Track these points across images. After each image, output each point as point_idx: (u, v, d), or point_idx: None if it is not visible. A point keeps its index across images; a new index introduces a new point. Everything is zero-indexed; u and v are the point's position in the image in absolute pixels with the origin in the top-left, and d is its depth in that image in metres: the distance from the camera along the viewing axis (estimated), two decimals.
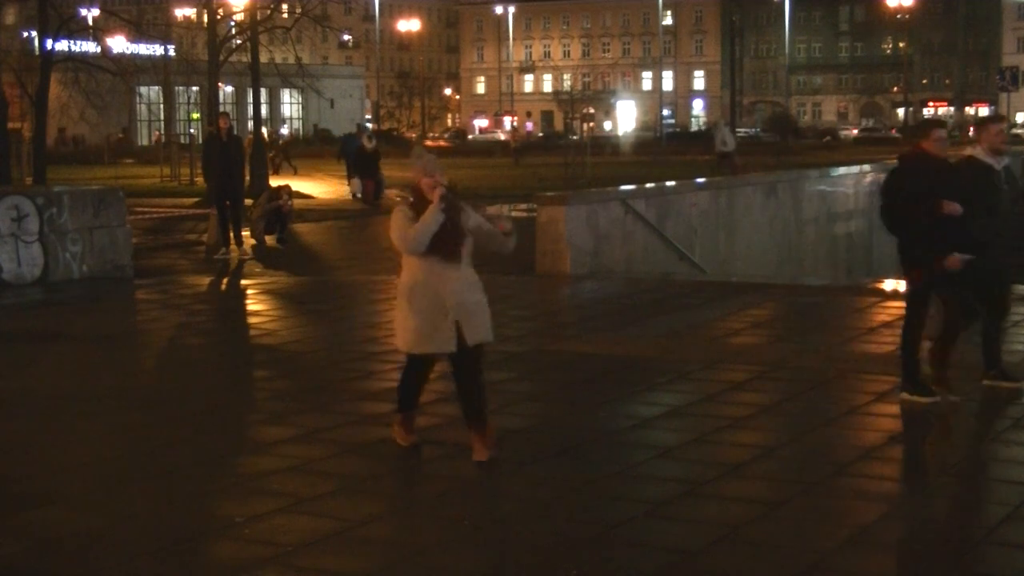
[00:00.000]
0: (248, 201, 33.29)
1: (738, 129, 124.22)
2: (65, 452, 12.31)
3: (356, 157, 41.04)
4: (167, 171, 67.97)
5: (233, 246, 29.34)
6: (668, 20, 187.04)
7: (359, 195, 42.76)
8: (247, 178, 43.46)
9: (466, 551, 9.35)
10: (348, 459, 11.80)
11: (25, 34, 68.87)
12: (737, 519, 9.84)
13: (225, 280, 25.83)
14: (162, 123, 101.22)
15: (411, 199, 11.43)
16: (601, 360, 16.59)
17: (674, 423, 13.36)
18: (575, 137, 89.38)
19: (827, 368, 15.77)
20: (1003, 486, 10.84)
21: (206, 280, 25.85)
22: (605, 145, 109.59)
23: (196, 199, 44.28)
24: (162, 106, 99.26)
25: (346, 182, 60.17)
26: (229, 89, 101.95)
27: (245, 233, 31.35)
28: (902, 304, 16.40)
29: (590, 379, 15.53)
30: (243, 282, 25.28)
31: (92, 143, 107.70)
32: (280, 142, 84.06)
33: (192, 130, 79.08)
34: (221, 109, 56.31)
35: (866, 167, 44.33)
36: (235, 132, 31.75)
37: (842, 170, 42.86)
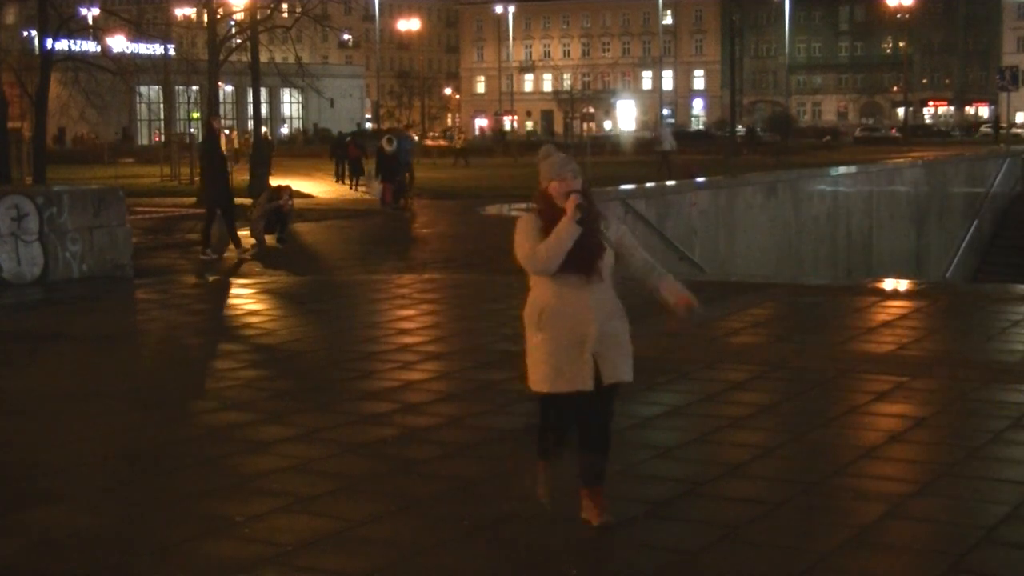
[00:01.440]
0: (248, 200, 33.29)
1: (738, 127, 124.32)
2: (65, 451, 12.31)
3: (377, 160, 40.94)
4: (167, 171, 68.01)
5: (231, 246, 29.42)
6: (668, 20, 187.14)
7: (378, 197, 42.65)
8: (247, 177, 43.48)
9: (465, 551, 9.35)
10: (348, 459, 11.79)
11: (25, 33, 68.86)
12: (737, 519, 9.84)
13: (222, 279, 25.79)
14: (162, 123, 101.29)
15: (537, 207, 9.38)
16: None
17: (674, 422, 13.37)
18: (552, 138, 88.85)
19: (827, 368, 15.78)
20: (1003, 486, 10.84)
21: (206, 279, 25.83)
22: (605, 144, 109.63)
23: (195, 199, 44.22)
24: (162, 106, 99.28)
25: (333, 180, 60.46)
26: (229, 88, 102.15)
27: (244, 232, 31.40)
28: (902, 303, 16.31)
29: None
30: (243, 282, 25.25)
31: (86, 141, 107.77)
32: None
33: (192, 130, 79.07)
34: (220, 109, 56.27)
35: (866, 167, 44.38)
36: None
37: (842, 170, 42.91)
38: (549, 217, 9.13)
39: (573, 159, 9.49)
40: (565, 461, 9.56)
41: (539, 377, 9.30)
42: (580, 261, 9.06)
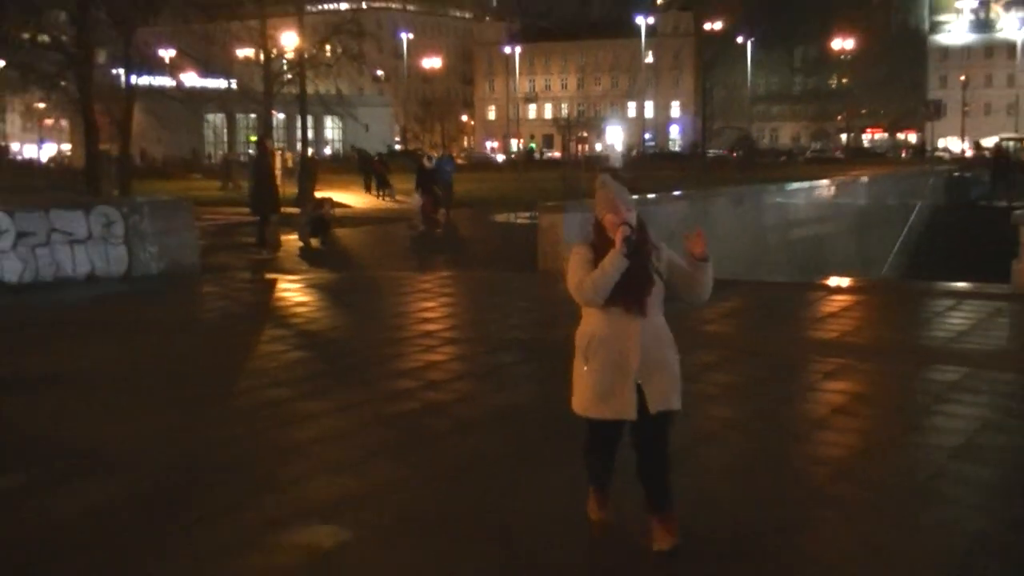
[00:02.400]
0: (296, 210, 33.36)
1: (710, 151, 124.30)
2: (130, 422, 12.22)
3: (417, 175, 40.72)
4: (227, 184, 68.04)
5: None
6: (650, 59, 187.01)
7: (418, 208, 42.40)
8: (296, 190, 43.40)
9: (476, 510, 9.27)
10: (377, 429, 11.71)
11: (113, 71, 69.05)
12: (707, 482, 9.76)
13: (275, 276, 25.72)
14: (225, 144, 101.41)
15: (592, 238, 8.29)
16: None
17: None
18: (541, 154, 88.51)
19: (785, 352, 15.72)
20: (930, 449, 10.81)
21: (259, 275, 25.78)
22: (597, 162, 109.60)
23: (248, 207, 44.25)
24: (225, 130, 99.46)
25: (363, 191, 60.72)
26: (281, 116, 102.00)
27: (292, 236, 31.50)
28: (846, 298, 16.25)
29: None
30: (290, 277, 25.19)
31: (162, 160, 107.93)
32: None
33: (250, 150, 79.08)
34: (272, 135, 56.37)
35: (816, 183, 44.33)
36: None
37: (796, 185, 42.85)
38: (601, 248, 8.08)
39: (626, 189, 8.31)
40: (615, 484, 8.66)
41: (583, 402, 8.30)
42: (628, 294, 8.03)
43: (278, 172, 35.88)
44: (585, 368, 8.24)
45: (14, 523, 9.03)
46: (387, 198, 58.55)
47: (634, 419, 8.09)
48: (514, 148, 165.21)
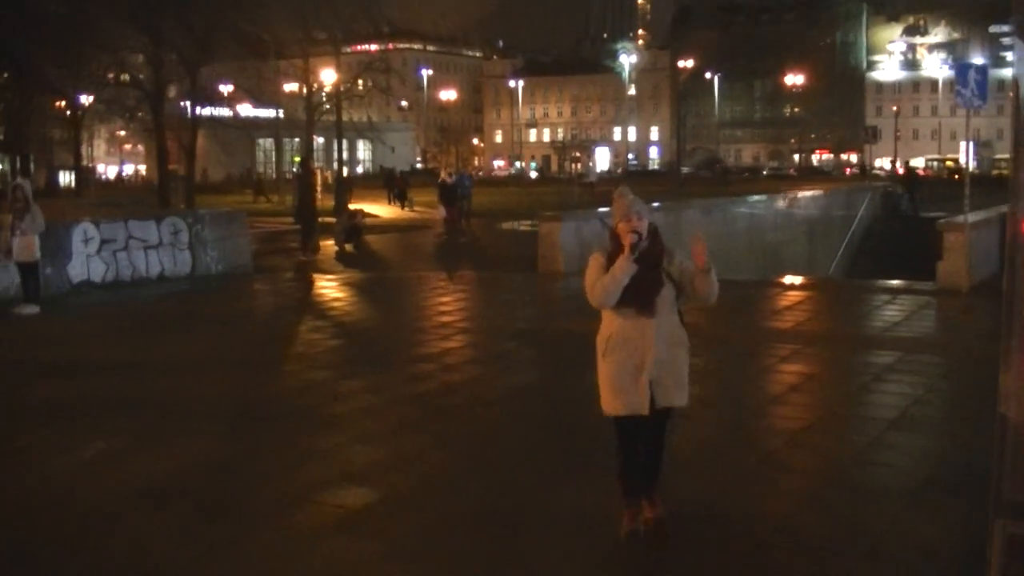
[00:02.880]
0: (332, 219, 33.43)
1: (684, 168, 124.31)
2: (203, 398, 12.27)
3: (439, 189, 40.36)
4: (275, 198, 68.12)
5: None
6: (633, 91, 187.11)
7: (441, 219, 42.10)
8: (332, 203, 43.45)
9: (486, 474, 9.28)
10: (402, 406, 11.71)
11: (181, 104, 69.54)
12: (682, 452, 9.73)
13: (316, 275, 25.72)
14: (274, 164, 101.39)
15: (608, 246, 7.71)
16: (585, 336, 16.47)
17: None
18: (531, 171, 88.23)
19: (747, 339, 15.72)
20: (868, 421, 10.82)
21: (302, 275, 25.80)
22: (579, 178, 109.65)
23: (292, 218, 44.24)
24: (274, 152, 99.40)
25: (387, 203, 61.18)
26: (320, 140, 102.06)
27: (329, 242, 31.57)
28: (798, 294, 16.28)
29: (577, 350, 15.43)
30: (328, 277, 25.20)
31: (219, 179, 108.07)
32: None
33: (295, 169, 79.03)
34: (313, 156, 56.62)
35: (773, 196, 44.31)
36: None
37: (757, 197, 42.83)
38: (615, 255, 7.56)
39: (641, 201, 7.74)
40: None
41: (604, 400, 7.68)
42: (637, 296, 7.53)
43: (319, 188, 35.90)
44: (604, 367, 7.66)
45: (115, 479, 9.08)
46: (407, 208, 58.90)
47: (647, 415, 7.56)
48: (517, 167, 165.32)
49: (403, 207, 59.56)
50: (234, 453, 10.08)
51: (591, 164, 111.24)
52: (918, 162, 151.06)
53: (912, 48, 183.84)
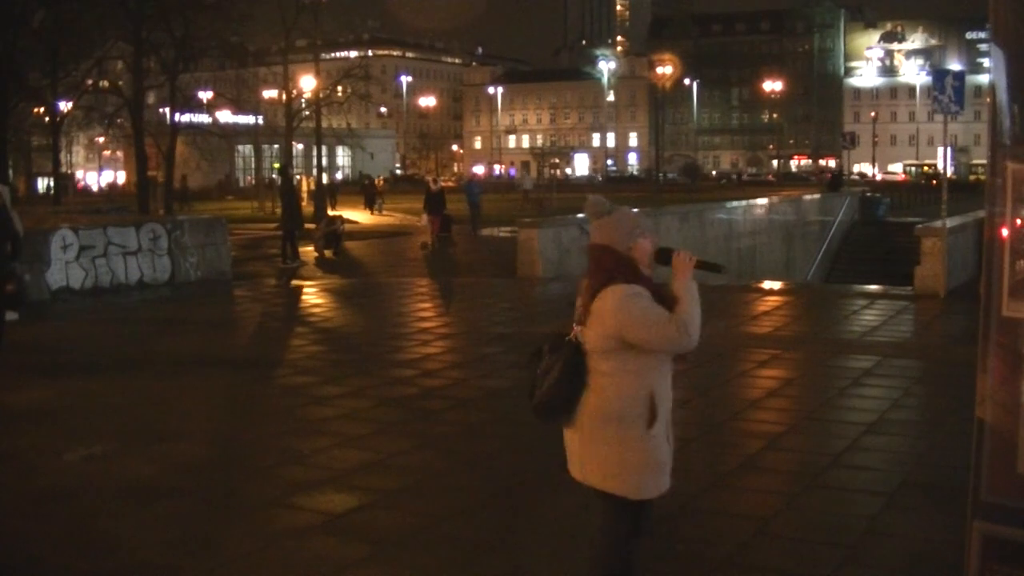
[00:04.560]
0: (312, 225, 33.44)
1: (669, 174, 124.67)
2: (184, 402, 12.28)
3: (425, 197, 40.09)
4: (256, 204, 68.07)
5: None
6: (611, 97, 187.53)
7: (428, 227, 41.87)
8: (312, 209, 43.42)
9: (468, 474, 9.32)
10: (384, 409, 11.74)
11: (160, 110, 69.66)
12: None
13: (296, 282, 25.71)
14: (253, 171, 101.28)
15: (628, 275, 5.56)
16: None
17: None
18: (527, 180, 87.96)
19: (725, 343, 15.76)
20: (846, 426, 10.86)
21: (283, 281, 25.80)
22: (566, 185, 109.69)
23: (275, 224, 44.16)
24: (253, 159, 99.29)
25: (363, 207, 61.84)
26: (300, 146, 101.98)
27: (308, 248, 31.56)
28: (776, 298, 16.33)
29: None
30: (308, 283, 25.21)
31: (200, 185, 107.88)
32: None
33: (274, 175, 78.99)
34: (293, 163, 56.69)
35: (752, 201, 44.42)
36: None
37: (734, 203, 42.94)
38: (639, 280, 5.62)
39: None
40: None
41: (645, 480, 5.68)
42: None
43: (304, 195, 35.96)
44: (648, 440, 5.64)
45: (89, 485, 9.08)
46: (375, 212, 60.68)
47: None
48: (496, 173, 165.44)
49: (372, 211, 60.51)
50: (215, 456, 10.09)
51: (525, 172, 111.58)
52: (896, 167, 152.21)
53: (890, 54, 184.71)
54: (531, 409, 5.78)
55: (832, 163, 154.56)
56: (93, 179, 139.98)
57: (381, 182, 71.33)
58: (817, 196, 53.96)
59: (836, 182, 61.43)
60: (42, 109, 70.74)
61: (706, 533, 7.85)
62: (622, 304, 5.48)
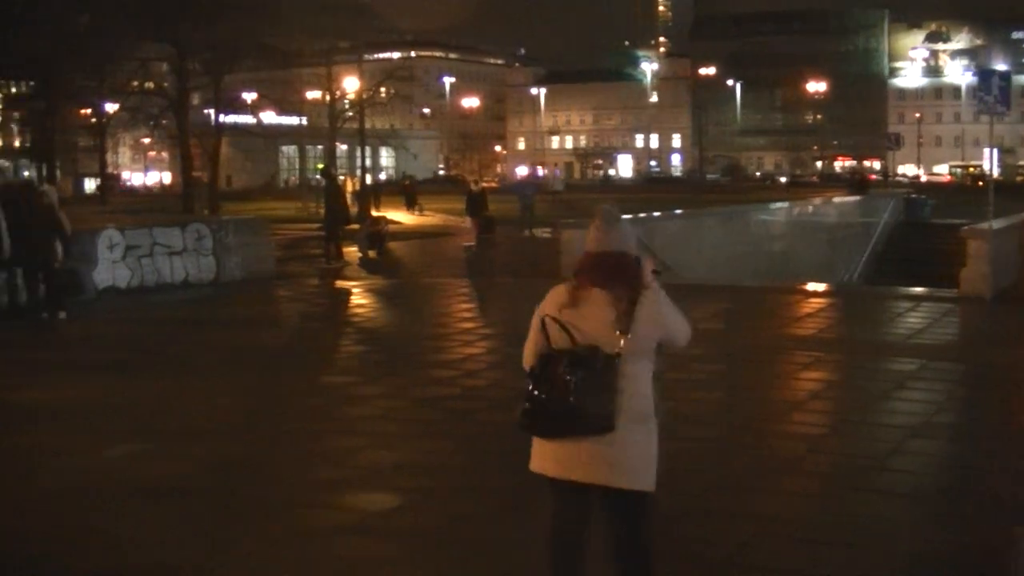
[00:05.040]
0: (356, 226, 33.50)
1: (711, 175, 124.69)
2: (223, 400, 12.32)
3: (466, 198, 39.94)
4: (299, 205, 68.32)
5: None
6: (654, 98, 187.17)
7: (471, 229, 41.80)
8: (356, 209, 43.53)
9: (503, 475, 9.28)
10: (421, 409, 11.73)
11: (205, 111, 70.04)
12: (700, 455, 9.74)
13: (339, 282, 25.76)
14: (296, 171, 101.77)
15: (648, 278, 5.88)
16: None
17: (653, 385, 13.23)
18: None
19: (766, 345, 15.69)
20: (889, 429, 10.76)
21: (325, 281, 25.86)
22: (608, 186, 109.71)
23: (318, 225, 44.24)
24: (297, 159, 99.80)
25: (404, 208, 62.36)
26: (343, 147, 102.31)
27: (352, 249, 31.61)
28: (819, 300, 16.21)
29: None
30: (351, 283, 25.26)
31: (246, 186, 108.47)
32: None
33: (317, 176, 79.41)
34: (336, 164, 56.96)
35: (794, 203, 44.22)
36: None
37: (777, 204, 42.74)
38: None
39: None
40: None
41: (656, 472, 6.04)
42: None
43: (349, 195, 36.05)
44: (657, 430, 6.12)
45: (116, 482, 9.11)
46: (415, 212, 60.75)
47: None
48: (540, 174, 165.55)
49: (412, 211, 60.71)
50: (250, 454, 10.12)
51: (556, 171, 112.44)
52: (941, 169, 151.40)
53: (934, 55, 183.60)
54: (554, 419, 5.72)
55: (876, 164, 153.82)
56: (139, 179, 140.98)
57: (409, 183, 71.95)
58: (860, 197, 53.64)
59: (862, 184, 58.46)
60: (88, 111, 71.45)
61: (744, 532, 7.78)
62: (667, 306, 5.86)
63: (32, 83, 71.59)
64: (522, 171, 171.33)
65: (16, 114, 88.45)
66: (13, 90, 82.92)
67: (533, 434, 5.90)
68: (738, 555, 7.45)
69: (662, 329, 5.86)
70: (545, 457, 5.90)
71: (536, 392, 5.75)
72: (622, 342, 5.70)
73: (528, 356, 5.93)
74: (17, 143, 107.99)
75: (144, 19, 55.63)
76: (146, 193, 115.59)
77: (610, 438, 5.70)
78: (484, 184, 41.03)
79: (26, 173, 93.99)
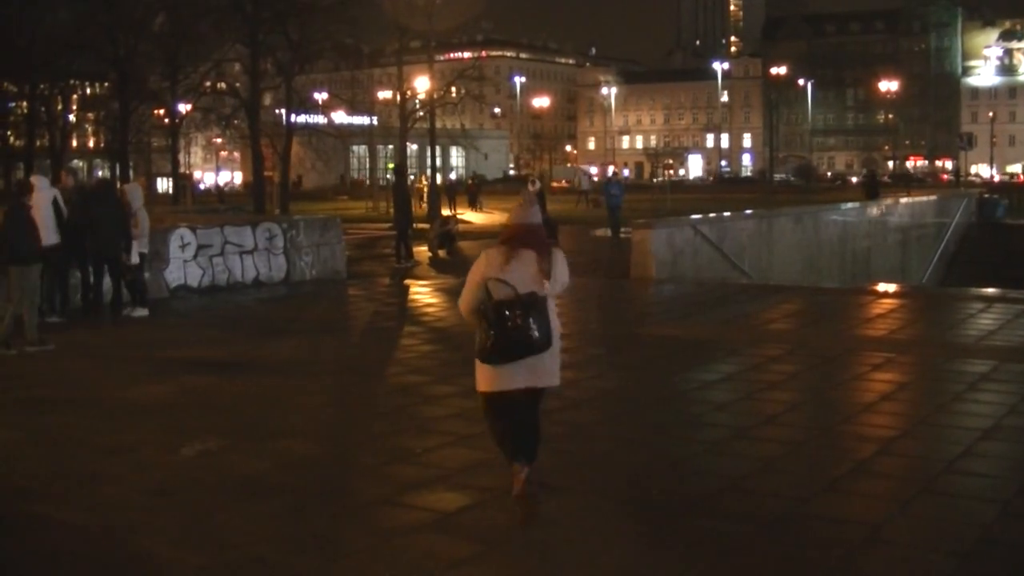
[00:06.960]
0: (426, 226, 33.66)
1: (781, 176, 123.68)
2: (296, 399, 12.45)
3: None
4: (370, 204, 68.67)
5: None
6: (725, 98, 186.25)
7: None
8: (425, 209, 43.70)
9: (578, 474, 9.33)
10: None
11: (276, 111, 70.56)
12: (772, 455, 9.76)
13: (410, 281, 25.90)
14: (368, 171, 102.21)
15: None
16: (675, 340, 16.53)
17: (726, 385, 13.26)
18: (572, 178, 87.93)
19: (837, 347, 15.62)
20: (961, 431, 10.68)
21: (396, 281, 25.99)
22: (679, 186, 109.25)
23: (389, 224, 44.42)
24: (368, 159, 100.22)
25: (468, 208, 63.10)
26: (414, 147, 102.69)
27: (422, 248, 31.76)
28: (891, 301, 16.12)
29: (667, 354, 15.47)
30: (422, 282, 25.38)
31: (315, 185, 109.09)
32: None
33: (388, 176, 79.81)
34: (407, 163, 57.22)
35: (866, 203, 43.87)
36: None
37: (848, 205, 42.44)
38: None
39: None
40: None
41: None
42: None
43: (424, 195, 36.29)
44: None
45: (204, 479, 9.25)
46: (477, 210, 62.15)
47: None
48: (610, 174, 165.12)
49: (475, 209, 62.30)
50: (326, 453, 10.21)
51: (584, 170, 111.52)
52: (1015, 168, 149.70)
53: (1008, 53, 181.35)
54: (520, 348, 8.18)
55: (949, 164, 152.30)
56: (210, 179, 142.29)
57: (473, 182, 72.47)
58: (933, 198, 53.10)
59: (872, 186, 54.23)
60: (162, 111, 72.19)
61: (817, 538, 7.79)
62: (565, 262, 8.40)
63: (107, 83, 72.57)
64: (592, 170, 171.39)
65: (91, 115, 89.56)
66: (88, 91, 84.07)
67: (496, 363, 8.26)
68: (821, 557, 7.47)
69: (565, 277, 8.42)
70: (492, 379, 8.38)
71: (495, 332, 8.16)
72: (546, 286, 8.25)
73: (465, 308, 8.63)
74: (91, 143, 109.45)
75: (222, 20, 56.22)
76: (219, 192, 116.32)
77: (543, 354, 8.21)
78: (554, 183, 41.07)
79: (99, 173, 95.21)
